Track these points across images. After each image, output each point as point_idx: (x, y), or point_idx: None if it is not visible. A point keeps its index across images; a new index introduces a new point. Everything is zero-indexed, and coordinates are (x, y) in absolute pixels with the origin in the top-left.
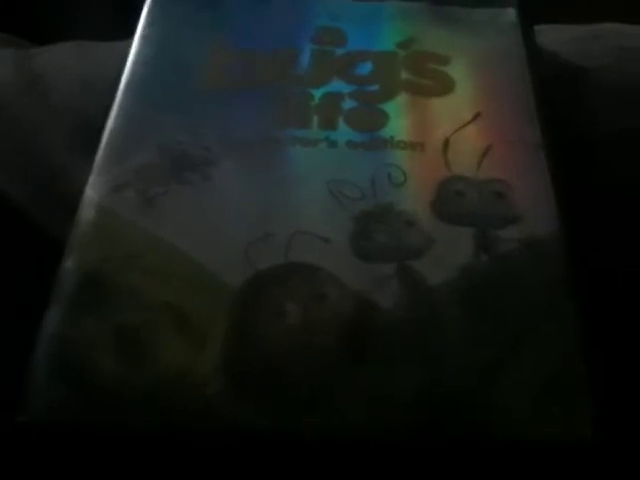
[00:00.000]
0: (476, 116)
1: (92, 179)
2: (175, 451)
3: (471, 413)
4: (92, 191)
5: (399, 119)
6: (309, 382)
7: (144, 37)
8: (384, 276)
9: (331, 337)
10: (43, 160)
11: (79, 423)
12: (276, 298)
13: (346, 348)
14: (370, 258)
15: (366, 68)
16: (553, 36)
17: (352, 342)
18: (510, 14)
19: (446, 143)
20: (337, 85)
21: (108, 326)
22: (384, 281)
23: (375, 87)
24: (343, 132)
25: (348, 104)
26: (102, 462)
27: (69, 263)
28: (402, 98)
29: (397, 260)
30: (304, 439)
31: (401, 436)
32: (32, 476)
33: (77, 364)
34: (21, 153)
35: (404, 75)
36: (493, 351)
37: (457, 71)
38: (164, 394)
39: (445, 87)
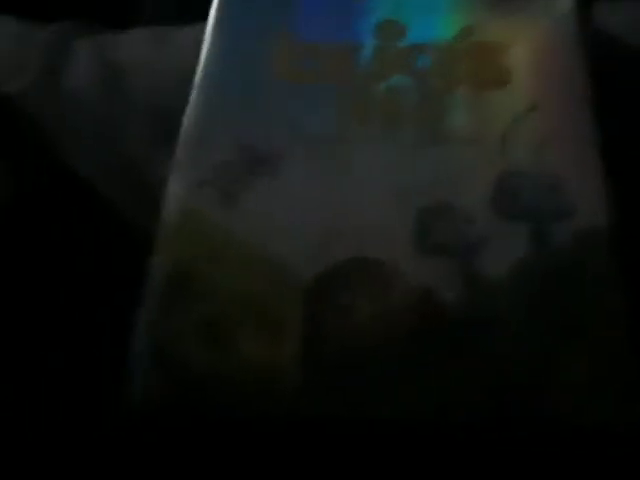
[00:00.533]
0: (533, 108)
1: (173, 177)
2: (255, 437)
3: (532, 400)
4: (175, 189)
5: (459, 114)
6: (377, 373)
7: (214, 33)
8: (445, 271)
9: (397, 330)
10: (125, 152)
11: (171, 409)
12: (345, 293)
13: (412, 341)
14: (432, 254)
15: (426, 61)
16: (612, 16)
17: (417, 335)
18: (566, 2)
19: (503, 137)
20: (398, 80)
21: (194, 319)
22: (445, 276)
23: (435, 81)
24: (404, 128)
25: (409, 99)
26: (190, 445)
27: (157, 259)
28: (461, 92)
29: (457, 256)
30: (375, 426)
31: (467, 423)
32: (133, 458)
33: (168, 356)
34: (104, 145)
35: (463, 67)
36: (551, 341)
37: (514, 61)
38: (245, 384)
39: (503, 79)
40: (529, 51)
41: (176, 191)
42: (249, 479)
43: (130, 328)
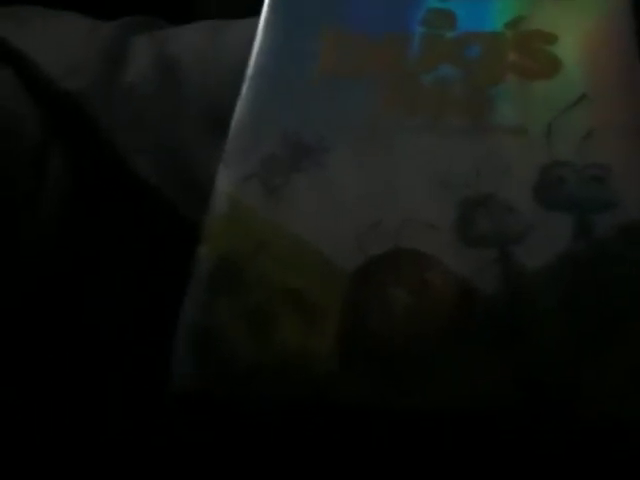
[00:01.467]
0: (580, 99)
1: (221, 170)
2: (295, 422)
3: (567, 393)
4: (222, 182)
5: (505, 104)
6: (415, 362)
7: (266, 26)
8: (485, 261)
9: (435, 320)
10: (178, 148)
11: (214, 394)
12: (384, 283)
13: (448, 330)
14: (472, 243)
15: (474, 51)
16: None
17: (455, 326)
18: None
19: (549, 127)
20: (446, 70)
21: (238, 309)
22: (485, 266)
23: (482, 71)
24: (450, 118)
25: (456, 90)
26: (232, 430)
27: (204, 250)
28: (508, 82)
29: (498, 245)
30: (410, 414)
31: (502, 414)
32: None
33: (214, 344)
34: (158, 141)
35: (511, 57)
36: (589, 335)
37: (564, 50)
38: (286, 371)
39: (551, 68)
40: (580, 41)
41: (223, 183)
42: (285, 465)
43: (177, 317)
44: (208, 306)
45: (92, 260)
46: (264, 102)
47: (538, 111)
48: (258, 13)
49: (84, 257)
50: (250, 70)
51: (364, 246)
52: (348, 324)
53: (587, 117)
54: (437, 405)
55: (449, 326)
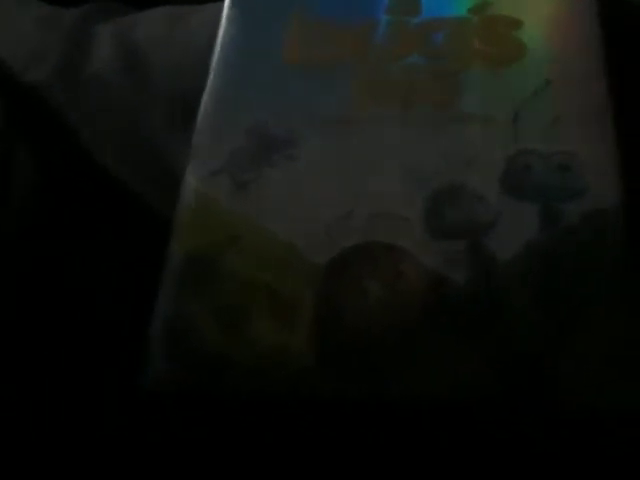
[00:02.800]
0: (545, 85)
1: (190, 164)
2: (270, 418)
3: (539, 380)
4: (191, 176)
5: (472, 92)
6: (387, 355)
7: (230, 15)
8: (456, 252)
9: (409, 311)
10: (145, 138)
11: (185, 391)
12: (358, 276)
13: (422, 321)
14: (443, 235)
15: (440, 38)
16: None
17: (428, 317)
18: None
19: (515, 115)
20: (413, 59)
21: (210, 304)
22: (456, 257)
23: (449, 59)
24: (419, 108)
25: (423, 79)
26: (204, 426)
27: (174, 246)
28: (474, 69)
29: (468, 236)
30: (387, 405)
31: (477, 403)
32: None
33: (185, 339)
34: (125, 132)
35: (477, 43)
36: (559, 322)
37: (529, 35)
38: (260, 366)
39: (516, 54)
40: (544, 26)
41: (192, 178)
42: (261, 461)
43: (149, 312)
44: (179, 301)
45: (62, 254)
46: (230, 94)
47: (504, 98)
48: None
49: (55, 251)
50: (214, 61)
51: (336, 238)
52: (322, 318)
53: (552, 104)
54: (414, 396)
55: (422, 316)
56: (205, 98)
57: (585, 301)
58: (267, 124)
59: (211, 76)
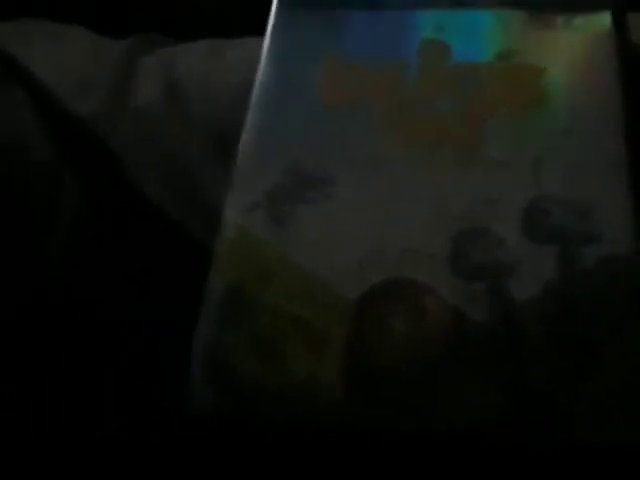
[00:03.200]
0: (566, 133)
1: (229, 198)
2: (302, 446)
3: (552, 416)
4: (230, 210)
5: (496, 137)
6: (413, 386)
7: (269, 53)
8: (477, 292)
9: (431, 347)
10: (184, 170)
11: (223, 416)
12: (385, 312)
13: (443, 356)
14: (466, 275)
15: (468, 83)
16: None
17: (449, 353)
18: (605, 18)
19: (536, 161)
20: (442, 103)
21: (247, 337)
22: (477, 297)
23: (475, 104)
24: (446, 151)
25: (452, 122)
26: (243, 453)
27: (214, 277)
28: (500, 115)
29: (489, 277)
30: (411, 437)
31: (491, 431)
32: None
33: (221, 370)
34: (165, 162)
35: (502, 89)
36: (575, 361)
37: (551, 84)
38: (293, 396)
39: (539, 102)
40: (566, 74)
41: (231, 213)
42: None
43: (189, 343)
44: (219, 330)
45: (105, 279)
46: (268, 132)
47: (526, 145)
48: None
49: (97, 276)
50: (254, 98)
51: (366, 274)
52: (352, 352)
53: (572, 151)
54: (436, 428)
55: (444, 351)
56: (244, 134)
57: (599, 342)
58: (303, 162)
59: (250, 113)
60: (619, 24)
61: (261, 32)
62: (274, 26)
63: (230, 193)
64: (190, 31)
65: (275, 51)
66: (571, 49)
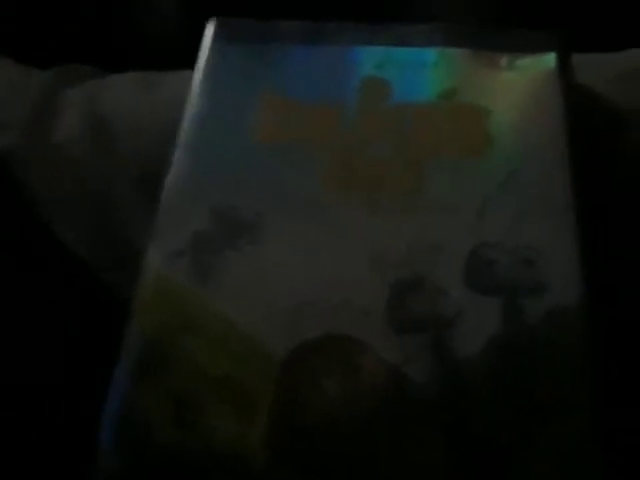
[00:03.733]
0: (511, 177)
1: (151, 245)
2: None
3: (494, 476)
4: (151, 257)
5: (438, 181)
6: (343, 454)
7: (200, 87)
8: (416, 348)
9: (365, 410)
10: (108, 210)
11: None
12: (315, 371)
13: (380, 421)
14: (404, 329)
15: (408, 124)
16: (596, 73)
17: (385, 415)
18: (550, 59)
19: (480, 207)
20: (381, 145)
21: (164, 394)
22: (416, 353)
23: (417, 146)
24: (384, 195)
25: (391, 166)
26: None
27: (131, 327)
28: (442, 158)
29: (429, 330)
30: None
31: None
32: None
33: (135, 431)
34: (87, 201)
35: (445, 131)
36: (519, 424)
37: (496, 126)
38: (213, 462)
39: (483, 144)
40: (511, 116)
41: (152, 259)
42: None
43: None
44: (133, 390)
45: (18, 332)
46: (196, 173)
47: (470, 189)
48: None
49: (7, 330)
50: (181, 137)
51: (296, 329)
52: (278, 416)
53: (518, 196)
54: None
55: (380, 415)
56: (170, 175)
57: (544, 401)
58: (232, 206)
59: (176, 153)
60: (564, 64)
61: None
62: (207, 59)
63: (152, 239)
64: (127, 63)
65: (206, 85)
66: (516, 89)
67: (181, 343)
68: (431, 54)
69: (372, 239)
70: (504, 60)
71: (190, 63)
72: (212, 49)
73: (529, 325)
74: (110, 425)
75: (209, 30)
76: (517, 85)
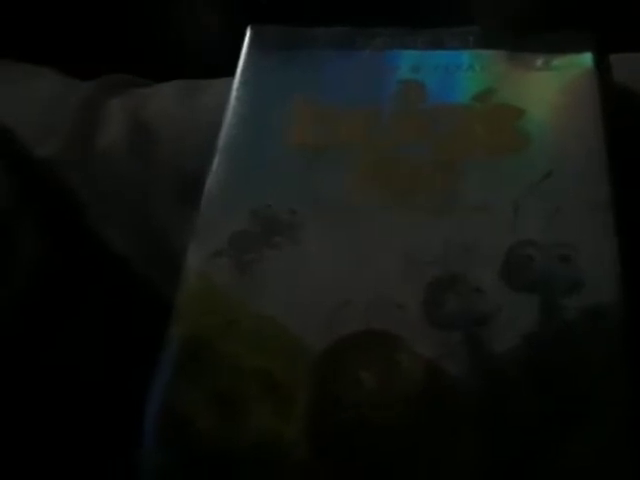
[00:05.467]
0: (547, 175)
1: (192, 245)
2: None
3: (533, 475)
4: (191, 258)
5: (473, 181)
6: (382, 447)
7: (237, 96)
8: (453, 343)
9: (402, 403)
10: (151, 216)
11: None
12: (353, 366)
13: (418, 416)
14: (441, 325)
15: (444, 126)
16: (634, 73)
17: (423, 410)
18: (587, 59)
19: (516, 205)
20: (416, 147)
21: (205, 392)
22: (453, 349)
23: (452, 147)
24: (419, 195)
25: (426, 167)
26: None
27: (173, 328)
28: (477, 158)
29: (465, 327)
30: None
31: None
32: None
33: (179, 429)
34: (131, 209)
35: (480, 131)
36: (553, 420)
37: (532, 125)
38: (254, 456)
39: (518, 144)
40: (546, 115)
41: (193, 260)
42: None
43: (144, 395)
44: (175, 386)
45: (62, 333)
46: (235, 176)
47: (505, 188)
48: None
49: (54, 330)
50: (221, 142)
51: (334, 326)
52: (317, 410)
53: (554, 194)
54: None
55: (417, 410)
56: (210, 179)
57: (579, 399)
58: (270, 207)
59: (216, 157)
60: (601, 64)
61: None
62: (244, 66)
63: (192, 240)
64: (170, 72)
65: (244, 92)
66: (552, 89)
67: (222, 340)
68: (466, 56)
69: (408, 238)
70: (540, 61)
71: (234, 71)
72: (248, 56)
73: (566, 322)
74: (152, 420)
75: (247, 37)
76: (553, 85)
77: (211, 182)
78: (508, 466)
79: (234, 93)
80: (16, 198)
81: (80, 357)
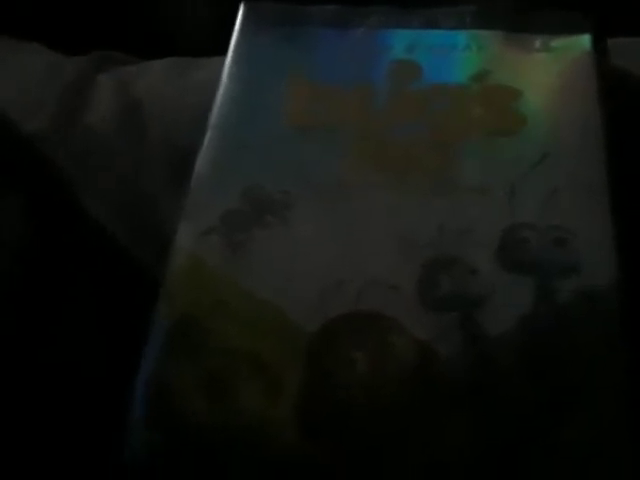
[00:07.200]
0: (544, 157)
1: (181, 224)
2: None
3: (522, 465)
4: (181, 237)
5: (469, 162)
6: (373, 428)
7: (230, 74)
8: (447, 325)
9: (394, 385)
10: (139, 193)
11: (168, 464)
12: (345, 346)
13: (410, 396)
14: (435, 307)
15: (439, 106)
16: (632, 56)
17: (416, 390)
18: (585, 41)
19: (512, 187)
20: (411, 127)
21: (195, 371)
22: (446, 331)
23: (447, 127)
24: (414, 176)
25: (422, 147)
26: None
27: (161, 307)
28: (473, 139)
29: (460, 309)
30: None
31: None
32: None
33: (166, 408)
34: (118, 185)
35: (476, 112)
36: (547, 405)
37: (528, 107)
38: (243, 437)
39: (515, 125)
40: (543, 97)
41: (183, 238)
42: None
43: (132, 376)
44: (163, 366)
45: (46, 306)
46: (227, 154)
47: (502, 170)
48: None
49: (41, 308)
50: (212, 119)
51: (326, 307)
52: (308, 390)
53: (551, 176)
54: (400, 475)
55: (410, 391)
56: (200, 157)
57: (576, 382)
58: (262, 186)
59: (208, 134)
60: (599, 46)
61: None
62: (237, 43)
63: (183, 218)
64: (160, 49)
65: (237, 69)
66: (549, 71)
67: (212, 319)
68: (462, 37)
69: (402, 219)
70: (538, 42)
71: (226, 48)
72: (241, 33)
73: (561, 305)
74: (141, 399)
75: (240, 14)
76: (551, 67)
77: (202, 160)
78: (500, 450)
79: (227, 70)
80: (0, 177)
81: (67, 335)
